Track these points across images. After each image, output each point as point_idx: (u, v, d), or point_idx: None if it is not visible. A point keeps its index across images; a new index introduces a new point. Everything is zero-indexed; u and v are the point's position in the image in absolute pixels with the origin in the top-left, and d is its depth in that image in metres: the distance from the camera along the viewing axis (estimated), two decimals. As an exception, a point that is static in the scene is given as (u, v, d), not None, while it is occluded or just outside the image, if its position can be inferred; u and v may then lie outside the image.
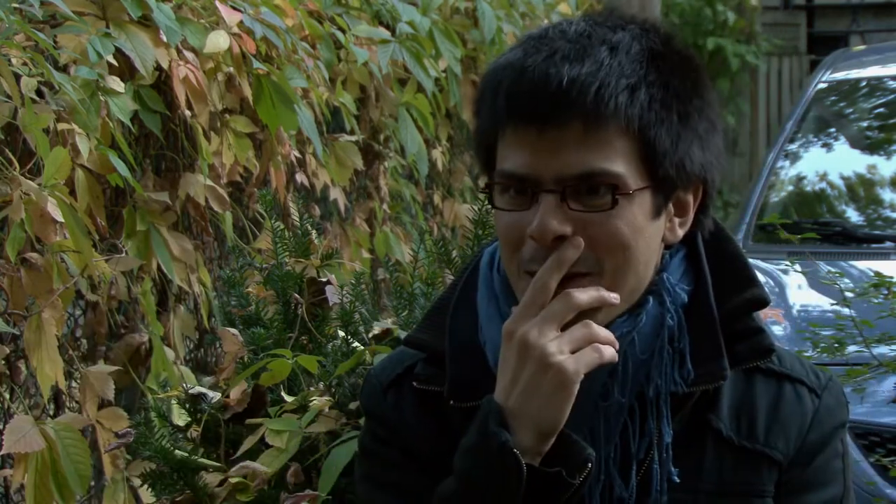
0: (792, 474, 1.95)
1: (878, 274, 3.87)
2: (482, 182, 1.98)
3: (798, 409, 1.96)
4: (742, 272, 1.97)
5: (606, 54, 1.83)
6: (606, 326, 1.86)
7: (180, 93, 3.55)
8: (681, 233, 1.93)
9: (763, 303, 1.95)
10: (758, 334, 1.94)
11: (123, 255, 3.43)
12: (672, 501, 1.91)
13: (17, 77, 3.03)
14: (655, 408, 1.89)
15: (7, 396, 3.19)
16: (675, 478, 1.89)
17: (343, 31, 4.70)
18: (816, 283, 4.75)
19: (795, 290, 5.06)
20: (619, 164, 1.83)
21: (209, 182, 3.76)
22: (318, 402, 2.67)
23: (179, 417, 2.78)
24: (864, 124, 6.32)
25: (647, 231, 1.87)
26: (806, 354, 3.74)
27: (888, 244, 5.53)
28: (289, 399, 2.70)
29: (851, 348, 3.76)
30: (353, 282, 2.87)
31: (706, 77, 1.93)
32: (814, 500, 1.96)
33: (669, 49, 1.89)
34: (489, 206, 1.97)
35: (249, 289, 2.93)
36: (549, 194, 1.83)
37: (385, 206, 5.23)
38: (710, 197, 1.94)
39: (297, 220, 3.06)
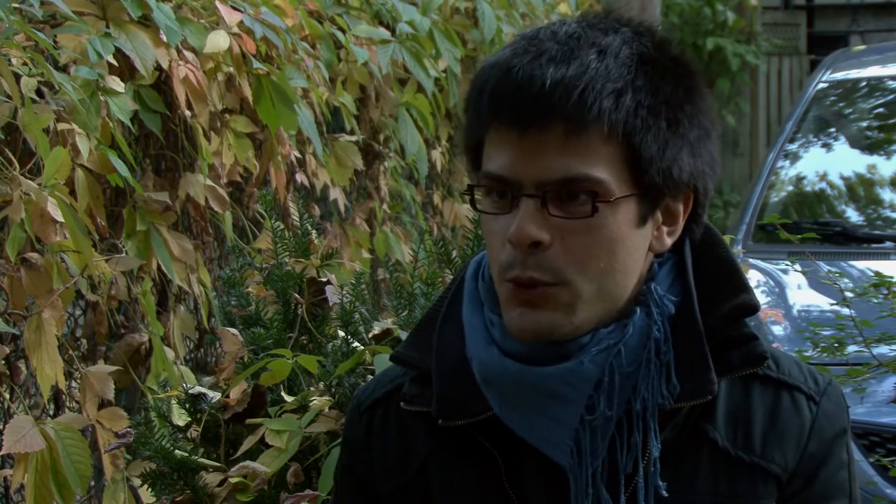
0: (795, 487, 1.89)
1: (878, 274, 3.86)
2: (466, 183, 1.93)
3: (795, 419, 1.90)
4: (732, 278, 1.91)
5: (594, 57, 1.79)
6: (592, 338, 1.82)
7: (180, 93, 3.55)
8: (669, 241, 1.88)
9: (752, 309, 1.88)
10: (750, 341, 1.88)
11: (123, 255, 3.42)
12: None
13: (17, 77, 3.03)
14: (642, 421, 1.84)
15: (7, 396, 3.19)
16: (664, 492, 1.84)
17: (343, 31, 4.70)
18: (816, 283, 4.74)
19: (795, 290, 5.06)
20: (602, 171, 1.78)
21: (209, 182, 3.76)
22: (318, 402, 2.67)
23: (179, 417, 2.77)
24: (864, 124, 6.32)
25: (630, 240, 1.82)
26: (806, 354, 3.74)
27: (888, 244, 5.53)
28: (289, 399, 2.70)
29: (851, 348, 3.75)
30: (353, 282, 2.87)
31: (701, 84, 1.87)
32: None
33: (662, 54, 1.84)
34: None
35: (249, 289, 2.93)
36: (529, 199, 1.79)
37: (385, 206, 5.22)
38: (701, 206, 1.88)
39: (297, 220, 3.06)
